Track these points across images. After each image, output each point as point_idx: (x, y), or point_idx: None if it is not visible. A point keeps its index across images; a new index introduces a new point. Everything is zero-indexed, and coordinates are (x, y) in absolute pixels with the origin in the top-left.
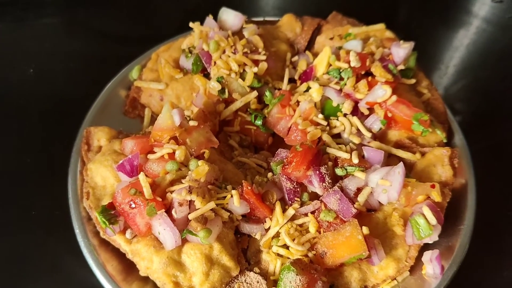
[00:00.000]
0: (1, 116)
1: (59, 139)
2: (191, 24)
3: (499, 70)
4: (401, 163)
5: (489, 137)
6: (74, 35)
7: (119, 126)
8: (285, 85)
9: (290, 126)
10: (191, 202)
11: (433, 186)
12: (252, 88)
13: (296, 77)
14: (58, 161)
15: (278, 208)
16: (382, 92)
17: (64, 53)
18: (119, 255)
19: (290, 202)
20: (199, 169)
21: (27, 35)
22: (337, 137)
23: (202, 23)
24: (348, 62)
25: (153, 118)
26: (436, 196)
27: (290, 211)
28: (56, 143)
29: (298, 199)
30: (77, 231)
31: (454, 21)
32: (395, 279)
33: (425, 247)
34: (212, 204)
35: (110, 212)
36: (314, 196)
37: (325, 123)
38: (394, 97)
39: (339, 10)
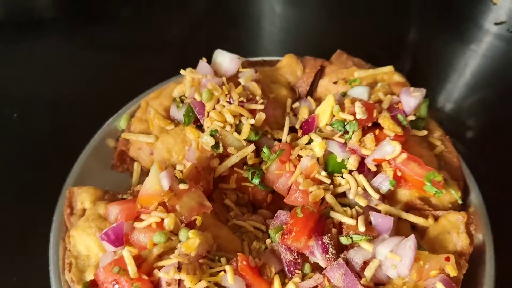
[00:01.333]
0: None
1: (43, 196)
2: (182, 72)
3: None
4: (412, 236)
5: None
6: (60, 68)
7: (107, 179)
8: (285, 137)
9: (291, 185)
10: (180, 281)
11: (447, 259)
12: (249, 141)
13: (297, 126)
14: (39, 225)
15: (277, 282)
16: (391, 149)
17: (51, 92)
18: None
19: (290, 275)
20: (190, 242)
21: (9, 71)
22: (341, 195)
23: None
24: (354, 113)
25: (143, 172)
26: (451, 271)
27: (290, 287)
28: (39, 200)
29: (299, 271)
30: None
31: (464, 40)
32: None
33: None
34: (203, 284)
35: None
36: (317, 266)
37: (328, 181)
38: (404, 155)
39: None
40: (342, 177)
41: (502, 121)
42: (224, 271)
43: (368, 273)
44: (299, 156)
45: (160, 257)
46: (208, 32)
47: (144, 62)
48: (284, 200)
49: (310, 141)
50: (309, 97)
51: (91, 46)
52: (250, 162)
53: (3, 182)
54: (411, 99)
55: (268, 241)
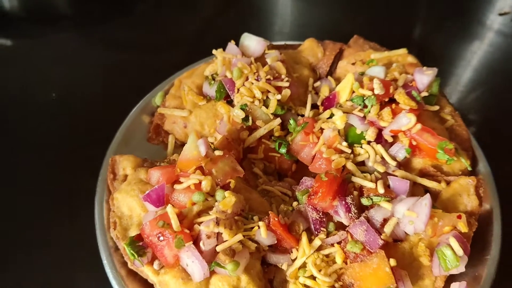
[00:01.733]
0: (23, 145)
1: (83, 167)
2: (214, 52)
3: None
4: (427, 195)
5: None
6: (93, 54)
7: (144, 153)
8: (307, 112)
9: (314, 154)
10: (218, 234)
11: (459, 217)
12: (275, 115)
13: (319, 103)
14: (83, 191)
15: (304, 238)
16: (407, 121)
17: (85, 76)
18: (147, 286)
19: (316, 232)
20: (226, 201)
21: (45, 54)
22: (361, 164)
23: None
24: (372, 89)
25: (177, 144)
26: (462, 227)
27: (317, 242)
28: (80, 170)
29: (324, 229)
30: (105, 261)
31: (469, 34)
32: None
33: (451, 277)
34: (239, 236)
35: (138, 244)
36: (340, 226)
37: (349, 151)
38: (419, 126)
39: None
40: (361, 147)
41: (504, 114)
42: (258, 227)
43: (388, 229)
44: (322, 129)
45: (199, 215)
46: (223, 26)
47: (160, 56)
48: (309, 168)
49: (331, 115)
50: (329, 77)
51: (105, 42)
52: (276, 134)
53: (49, 155)
54: (424, 77)
55: (294, 203)
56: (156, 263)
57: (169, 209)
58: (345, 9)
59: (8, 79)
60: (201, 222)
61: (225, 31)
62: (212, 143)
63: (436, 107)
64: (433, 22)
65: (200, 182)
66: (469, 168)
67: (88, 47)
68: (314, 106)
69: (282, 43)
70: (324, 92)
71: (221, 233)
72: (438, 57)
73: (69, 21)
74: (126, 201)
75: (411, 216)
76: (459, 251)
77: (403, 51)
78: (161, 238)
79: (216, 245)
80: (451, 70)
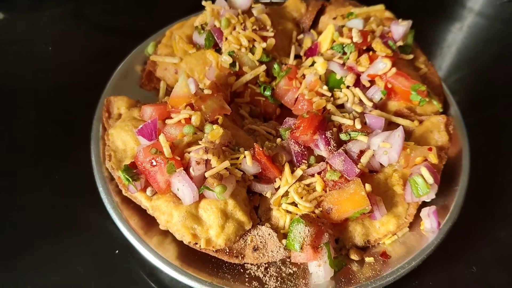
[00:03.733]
0: (25, 89)
1: (79, 109)
2: (203, 3)
3: (491, 53)
4: (400, 127)
5: (482, 111)
6: (86, 20)
7: (136, 96)
8: (291, 60)
9: (297, 97)
10: (207, 161)
11: (430, 149)
12: (261, 62)
13: (302, 54)
14: (79, 129)
15: (287, 169)
16: (383, 65)
17: (79, 34)
18: (140, 212)
19: (298, 164)
20: (214, 132)
21: (42, 20)
22: (340, 107)
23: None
24: (351, 38)
25: (168, 90)
26: (433, 158)
27: (298, 172)
28: (75, 112)
29: (306, 161)
30: (100, 189)
31: (450, 15)
32: (395, 234)
33: (423, 206)
34: (227, 163)
35: (132, 171)
36: (320, 159)
37: (329, 94)
38: (394, 70)
39: None
40: (341, 91)
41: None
42: (244, 156)
43: (364, 160)
44: (304, 75)
45: (189, 146)
46: None
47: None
48: (292, 110)
49: (313, 63)
50: (312, 30)
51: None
52: (262, 79)
53: (48, 99)
54: (400, 28)
55: (278, 140)
56: (148, 190)
57: (162, 137)
58: None
59: (3, 46)
60: (191, 151)
61: None
62: (201, 89)
63: (411, 56)
64: (414, 3)
65: (190, 117)
66: (440, 110)
67: (79, 21)
68: (297, 57)
69: (268, 0)
70: (307, 44)
71: (210, 160)
72: (420, 39)
73: None
74: (121, 136)
75: (385, 147)
76: (430, 179)
77: (380, 7)
78: (154, 163)
79: (205, 171)
80: (434, 51)
